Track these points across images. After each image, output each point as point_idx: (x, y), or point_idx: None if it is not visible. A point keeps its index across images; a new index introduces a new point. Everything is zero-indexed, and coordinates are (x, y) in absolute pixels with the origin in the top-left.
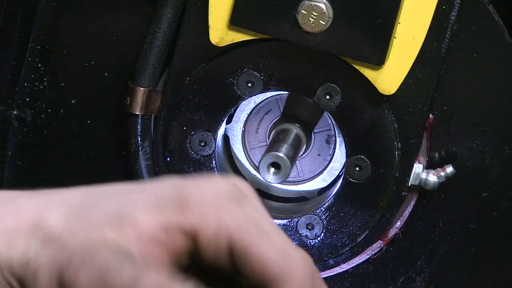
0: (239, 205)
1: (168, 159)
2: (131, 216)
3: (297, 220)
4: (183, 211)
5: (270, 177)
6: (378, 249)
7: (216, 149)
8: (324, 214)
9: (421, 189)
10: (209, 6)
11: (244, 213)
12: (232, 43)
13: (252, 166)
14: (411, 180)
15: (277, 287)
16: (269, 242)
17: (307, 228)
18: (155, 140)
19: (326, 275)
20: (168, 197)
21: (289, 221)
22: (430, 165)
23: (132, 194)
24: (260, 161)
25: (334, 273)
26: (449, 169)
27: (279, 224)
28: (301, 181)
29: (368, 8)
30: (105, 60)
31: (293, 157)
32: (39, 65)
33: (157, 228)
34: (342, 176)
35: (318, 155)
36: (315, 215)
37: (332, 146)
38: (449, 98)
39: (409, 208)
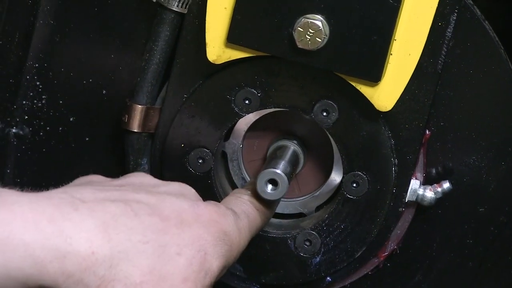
0: None
1: (165, 176)
2: None
3: (295, 236)
4: None
5: (267, 194)
6: (376, 264)
7: (214, 166)
8: (321, 230)
9: (418, 204)
10: (206, 23)
11: None
12: (230, 61)
13: None
14: (408, 196)
15: None
16: None
17: (305, 244)
18: (153, 157)
19: None
20: None
21: (287, 237)
22: (427, 181)
23: None
24: (258, 177)
25: None
26: (446, 184)
27: (277, 240)
28: (299, 197)
29: (364, 25)
30: (102, 77)
31: (290, 174)
32: (37, 83)
33: None
34: (339, 192)
35: (316, 171)
36: (313, 231)
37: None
38: (446, 114)
39: (406, 224)
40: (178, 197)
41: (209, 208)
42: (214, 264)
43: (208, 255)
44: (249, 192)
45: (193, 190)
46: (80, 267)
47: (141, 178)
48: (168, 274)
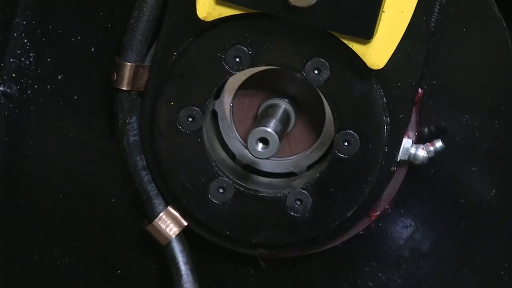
0: None
1: (155, 135)
2: None
3: (286, 195)
4: None
5: (258, 152)
6: (367, 224)
7: (204, 124)
8: (313, 190)
9: (411, 164)
10: None
11: None
12: (220, 18)
13: (240, 141)
14: (400, 155)
15: None
16: None
17: (296, 203)
18: (142, 116)
19: (316, 251)
20: None
21: (278, 196)
22: (420, 140)
23: None
24: (248, 136)
25: (323, 249)
26: (439, 143)
27: (268, 199)
28: (290, 156)
29: None
30: (91, 35)
31: (281, 133)
32: (25, 41)
33: None
34: (331, 151)
35: (307, 130)
36: (304, 190)
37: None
38: (438, 72)
39: (398, 183)
40: None
41: None
42: None
43: None
44: None
45: None
46: None
47: None
48: None
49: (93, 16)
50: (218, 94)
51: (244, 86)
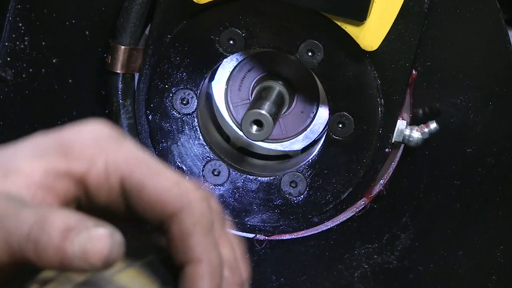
0: (122, 144)
1: (150, 118)
2: (17, 166)
3: (280, 177)
4: (68, 157)
5: (252, 135)
6: (362, 206)
7: (198, 107)
8: (307, 172)
9: (405, 145)
10: None
11: (130, 151)
12: (213, 0)
13: (234, 124)
14: (395, 137)
15: (176, 221)
16: (163, 176)
17: (290, 185)
18: (137, 99)
19: (311, 233)
20: (50, 146)
21: (272, 179)
22: (414, 122)
23: (14, 148)
24: (243, 118)
25: (318, 230)
26: (433, 125)
27: (262, 182)
28: (284, 138)
29: None
30: (85, 19)
31: (275, 115)
32: (20, 24)
33: (44, 175)
34: (325, 133)
35: (302, 112)
36: (299, 172)
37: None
38: (432, 54)
39: (393, 165)
40: None
41: None
42: None
43: None
44: None
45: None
46: None
47: None
48: None
49: (87, 0)
50: (212, 77)
51: (238, 68)
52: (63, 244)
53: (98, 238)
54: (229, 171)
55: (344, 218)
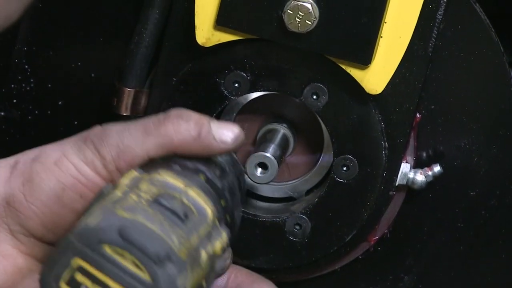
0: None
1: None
2: None
3: (284, 219)
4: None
5: (257, 177)
6: (366, 248)
7: None
8: (311, 214)
9: (409, 188)
10: (195, 6)
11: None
12: (219, 43)
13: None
14: (399, 180)
15: None
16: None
17: (295, 228)
18: None
19: (315, 275)
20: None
21: (276, 221)
22: (418, 165)
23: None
24: (247, 161)
25: (322, 273)
26: (437, 168)
27: (266, 224)
28: (289, 181)
29: (354, 8)
30: (91, 61)
31: (280, 157)
32: (26, 67)
33: None
34: (330, 176)
35: (306, 155)
36: (303, 215)
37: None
38: (436, 97)
39: (397, 208)
40: None
41: None
42: None
43: None
44: None
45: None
46: None
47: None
48: None
49: (92, 42)
50: (217, 119)
51: (243, 111)
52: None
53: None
54: None
55: (348, 261)
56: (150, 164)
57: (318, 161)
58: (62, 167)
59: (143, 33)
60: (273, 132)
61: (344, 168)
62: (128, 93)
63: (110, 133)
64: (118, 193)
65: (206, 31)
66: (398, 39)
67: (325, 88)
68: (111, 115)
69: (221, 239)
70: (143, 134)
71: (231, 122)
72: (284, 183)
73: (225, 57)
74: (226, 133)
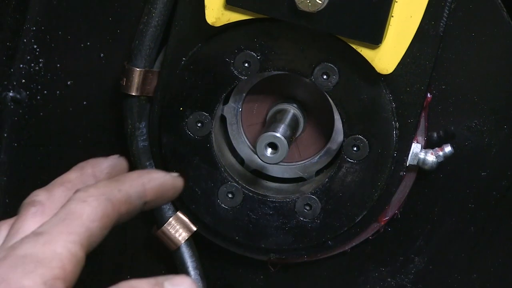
0: None
1: (164, 140)
2: None
3: (295, 200)
4: None
5: (267, 158)
6: (377, 229)
7: (213, 130)
8: (322, 195)
9: (420, 169)
10: None
11: None
12: (229, 23)
13: (249, 147)
14: (409, 160)
15: None
16: None
17: (305, 208)
18: (151, 121)
19: (325, 256)
20: None
21: (286, 202)
22: (428, 145)
23: None
24: (257, 141)
25: (332, 254)
26: (448, 148)
27: (276, 205)
28: (299, 161)
29: None
30: (100, 41)
31: (290, 138)
32: (35, 46)
33: None
34: (340, 156)
35: (316, 135)
36: (313, 195)
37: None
38: (447, 77)
39: (407, 188)
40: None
41: None
42: None
43: None
44: None
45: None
46: None
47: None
48: None
49: (102, 22)
50: (227, 99)
51: (253, 91)
52: None
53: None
54: (243, 194)
55: (358, 242)
56: None
57: (328, 141)
58: None
59: (152, 13)
60: (283, 112)
61: (355, 149)
62: (138, 73)
63: None
64: None
65: (216, 11)
66: (409, 18)
67: (335, 68)
68: (120, 96)
69: None
70: None
71: (183, 276)
72: (294, 163)
73: (235, 37)
74: None
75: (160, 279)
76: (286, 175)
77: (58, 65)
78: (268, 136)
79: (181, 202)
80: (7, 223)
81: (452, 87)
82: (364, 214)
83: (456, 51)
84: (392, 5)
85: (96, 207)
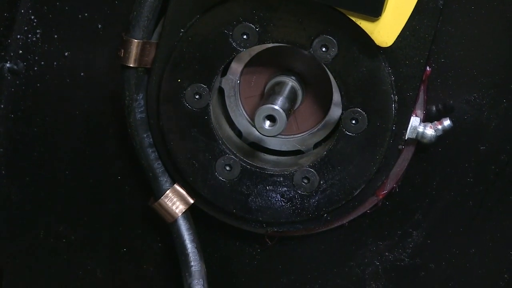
0: None
1: (162, 112)
2: None
3: (292, 173)
4: None
5: (265, 130)
6: (375, 203)
7: (211, 102)
8: (320, 168)
9: (418, 142)
10: None
11: None
12: None
13: (247, 119)
14: (408, 133)
15: None
16: None
17: (302, 181)
18: (149, 93)
19: (323, 230)
20: None
21: (284, 174)
22: (427, 118)
23: None
24: (256, 113)
25: (330, 227)
26: (446, 122)
27: (274, 177)
28: (297, 134)
29: None
30: (98, 12)
31: (288, 110)
32: (32, 17)
33: None
34: (338, 129)
35: (315, 108)
36: (311, 168)
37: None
38: (447, 50)
39: (406, 162)
40: None
41: None
42: None
43: None
44: None
45: None
46: None
47: None
48: None
49: None
50: (225, 71)
51: (251, 63)
52: None
53: None
54: (241, 166)
55: (356, 215)
56: None
57: (326, 114)
58: None
59: None
60: (281, 84)
61: (353, 122)
62: (136, 44)
63: None
64: None
65: None
66: None
67: (334, 41)
68: (118, 67)
69: None
70: None
71: None
72: (292, 136)
73: (234, 9)
74: None
75: None
76: (284, 148)
77: (56, 36)
78: (266, 108)
79: (178, 174)
80: None
81: (452, 61)
82: (362, 188)
83: (455, 24)
84: None
85: None
